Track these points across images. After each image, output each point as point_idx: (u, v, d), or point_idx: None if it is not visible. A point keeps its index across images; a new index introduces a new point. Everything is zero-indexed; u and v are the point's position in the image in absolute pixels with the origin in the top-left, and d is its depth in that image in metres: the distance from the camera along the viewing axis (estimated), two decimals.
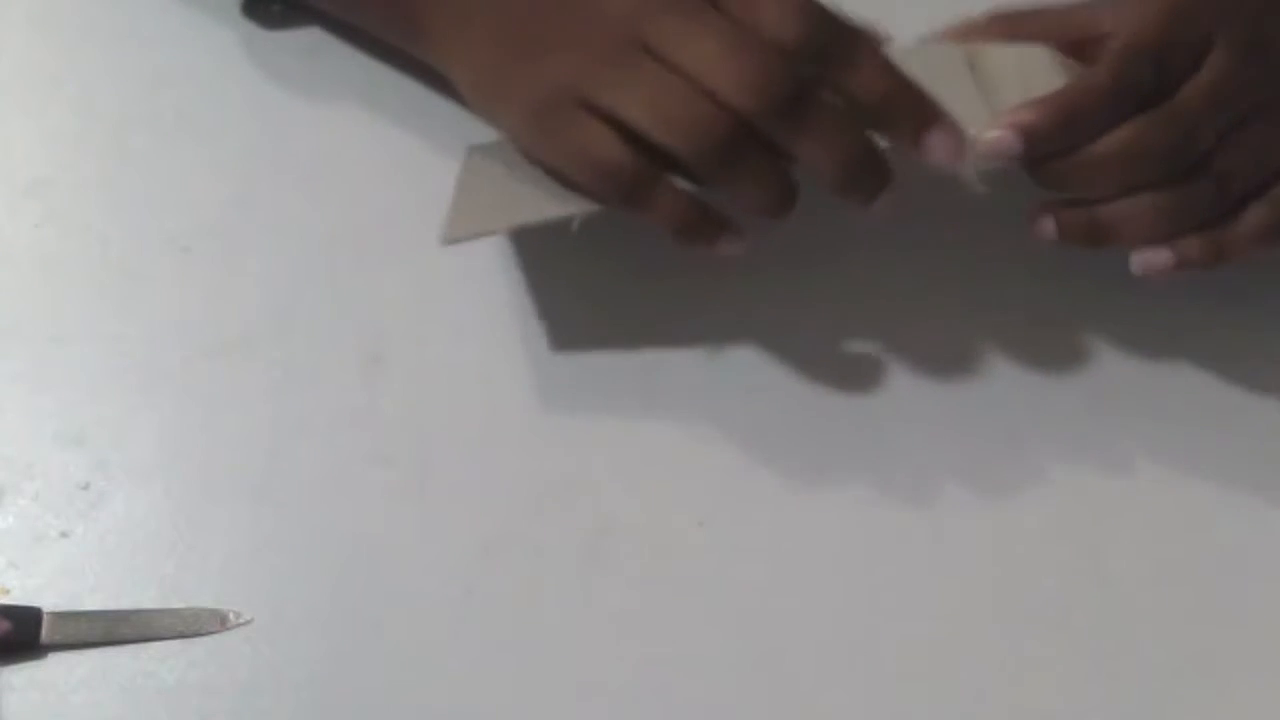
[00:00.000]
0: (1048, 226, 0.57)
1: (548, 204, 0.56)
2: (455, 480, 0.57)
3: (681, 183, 0.55)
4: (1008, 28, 0.62)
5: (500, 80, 0.58)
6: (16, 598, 0.53)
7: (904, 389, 0.60)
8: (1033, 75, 0.59)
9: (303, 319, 0.59)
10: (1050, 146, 0.56)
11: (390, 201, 0.61)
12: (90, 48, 0.65)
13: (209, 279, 0.60)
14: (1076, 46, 0.60)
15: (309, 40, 0.65)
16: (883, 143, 0.56)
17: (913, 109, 0.55)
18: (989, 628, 0.55)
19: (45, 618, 0.53)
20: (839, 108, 0.54)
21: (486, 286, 0.61)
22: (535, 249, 0.61)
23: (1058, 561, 0.57)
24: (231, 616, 0.54)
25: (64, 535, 0.55)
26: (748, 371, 0.60)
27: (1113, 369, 0.61)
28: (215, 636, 0.53)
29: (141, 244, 0.61)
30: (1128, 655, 0.55)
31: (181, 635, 0.53)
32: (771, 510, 0.57)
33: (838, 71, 0.54)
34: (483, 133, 0.61)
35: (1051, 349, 0.61)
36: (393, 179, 0.62)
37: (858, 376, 0.60)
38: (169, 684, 0.53)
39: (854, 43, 0.55)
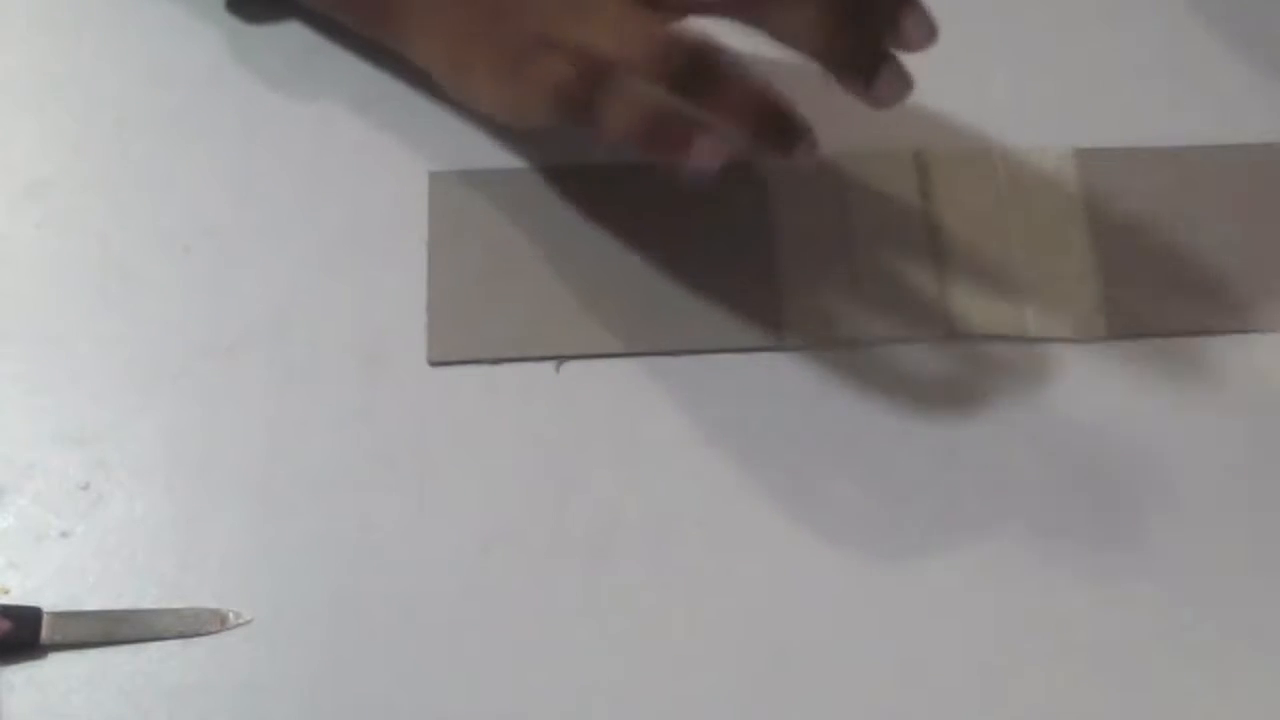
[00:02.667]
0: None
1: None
2: (455, 480, 0.57)
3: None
4: None
5: (471, 47, 0.59)
6: (16, 598, 0.54)
7: (905, 388, 0.60)
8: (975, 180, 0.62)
9: (303, 319, 0.59)
10: None
11: (390, 201, 0.61)
12: (90, 48, 0.65)
13: (209, 279, 0.60)
14: None
15: (310, 39, 0.65)
16: None
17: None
18: (991, 627, 0.56)
19: (45, 618, 0.53)
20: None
21: None
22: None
23: (1061, 566, 0.57)
24: (231, 616, 0.54)
25: (64, 535, 0.55)
26: (748, 371, 0.60)
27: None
28: (215, 636, 0.53)
29: (141, 244, 0.61)
30: (1130, 668, 0.55)
31: (181, 635, 0.53)
32: (772, 510, 0.57)
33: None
34: (481, 134, 0.61)
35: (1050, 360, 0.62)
36: (392, 179, 0.62)
37: (859, 376, 0.60)
38: (169, 684, 0.53)
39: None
